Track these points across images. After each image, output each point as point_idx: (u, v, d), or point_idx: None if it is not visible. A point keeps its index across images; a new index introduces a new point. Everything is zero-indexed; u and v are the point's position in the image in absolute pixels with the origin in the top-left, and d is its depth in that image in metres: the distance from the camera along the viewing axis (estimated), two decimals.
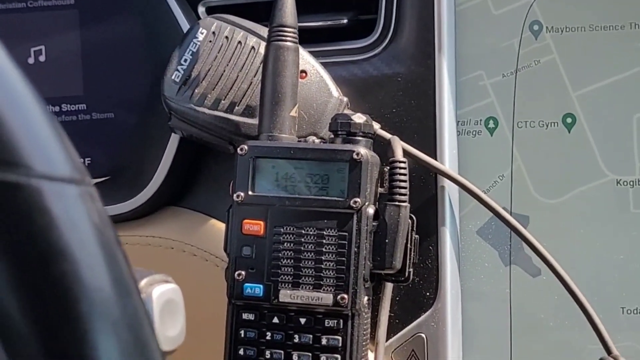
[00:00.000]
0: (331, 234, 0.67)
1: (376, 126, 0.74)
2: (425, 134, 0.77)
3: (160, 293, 0.49)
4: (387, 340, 0.75)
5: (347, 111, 0.75)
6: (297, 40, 0.71)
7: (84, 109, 0.86)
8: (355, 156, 0.67)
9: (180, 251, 0.79)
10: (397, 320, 0.76)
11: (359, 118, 0.70)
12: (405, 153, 0.74)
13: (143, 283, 0.48)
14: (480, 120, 0.78)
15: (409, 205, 0.69)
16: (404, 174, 0.69)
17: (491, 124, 0.78)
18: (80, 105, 0.86)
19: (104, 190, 0.81)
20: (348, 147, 0.68)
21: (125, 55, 0.83)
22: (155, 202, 0.79)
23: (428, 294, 0.76)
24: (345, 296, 0.67)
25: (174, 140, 0.79)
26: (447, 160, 0.76)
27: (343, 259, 0.67)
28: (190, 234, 0.79)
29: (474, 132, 0.78)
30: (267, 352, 0.68)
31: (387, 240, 0.68)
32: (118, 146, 0.84)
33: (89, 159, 0.86)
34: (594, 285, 0.76)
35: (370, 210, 0.68)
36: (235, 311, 0.69)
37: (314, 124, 0.74)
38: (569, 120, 0.77)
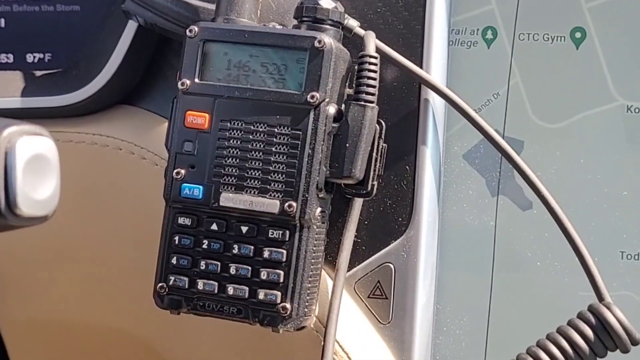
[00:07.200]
0: (283, 132, 0.59)
1: (354, 24, 0.64)
2: (411, 40, 0.67)
3: (28, 146, 0.40)
4: (350, 269, 0.66)
5: None
6: None
7: None
8: (317, 44, 0.58)
9: (128, 153, 0.71)
10: (363, 247, 0.67)
11: (327, 3, 0.61)
12: (385, 55, 0.64)
13: (6, 133, 0.40)
14: (477, 29, 0.69)
15: (376, 107, 0.60)
16: (374, 71, 0.60)
17: (489, 35, 0.69)
18: None
19: (52, 80, 0.74)
20: (310, 33, 0.59)
21: None
22: (106, 97, 0.71)
23: (400, 219, 0.67)
24: (294, 204, 0.58)
25: (130, 30, 0.70)
26: (435, 70, 0.67)
27: (294, 161, 0.58)
28: (141, 135, 0.71)
29: (469, 43, 0.69)
30: (202, 263, 0.60)
31: (347, 145, 0.59)
32: (82, 42, 0.76)
33: (50, 54, 0.78)
34: (591, 224, 0.67)
35: (331, 109, 0.59)
36: (171, 215, 0.62)
37: (283, 15, 0.65)
38: (578, 34, 0.67)
